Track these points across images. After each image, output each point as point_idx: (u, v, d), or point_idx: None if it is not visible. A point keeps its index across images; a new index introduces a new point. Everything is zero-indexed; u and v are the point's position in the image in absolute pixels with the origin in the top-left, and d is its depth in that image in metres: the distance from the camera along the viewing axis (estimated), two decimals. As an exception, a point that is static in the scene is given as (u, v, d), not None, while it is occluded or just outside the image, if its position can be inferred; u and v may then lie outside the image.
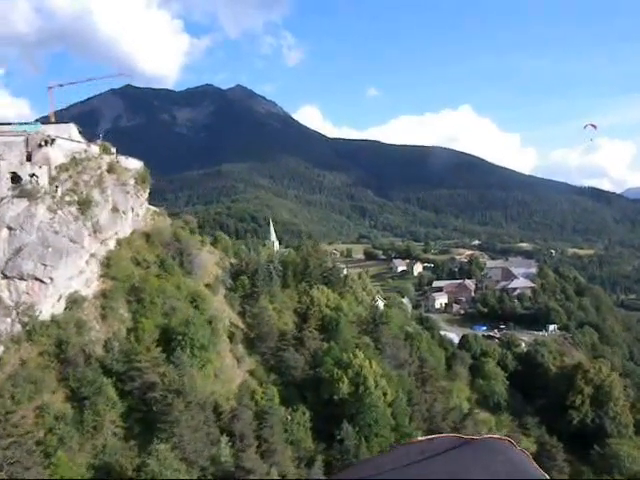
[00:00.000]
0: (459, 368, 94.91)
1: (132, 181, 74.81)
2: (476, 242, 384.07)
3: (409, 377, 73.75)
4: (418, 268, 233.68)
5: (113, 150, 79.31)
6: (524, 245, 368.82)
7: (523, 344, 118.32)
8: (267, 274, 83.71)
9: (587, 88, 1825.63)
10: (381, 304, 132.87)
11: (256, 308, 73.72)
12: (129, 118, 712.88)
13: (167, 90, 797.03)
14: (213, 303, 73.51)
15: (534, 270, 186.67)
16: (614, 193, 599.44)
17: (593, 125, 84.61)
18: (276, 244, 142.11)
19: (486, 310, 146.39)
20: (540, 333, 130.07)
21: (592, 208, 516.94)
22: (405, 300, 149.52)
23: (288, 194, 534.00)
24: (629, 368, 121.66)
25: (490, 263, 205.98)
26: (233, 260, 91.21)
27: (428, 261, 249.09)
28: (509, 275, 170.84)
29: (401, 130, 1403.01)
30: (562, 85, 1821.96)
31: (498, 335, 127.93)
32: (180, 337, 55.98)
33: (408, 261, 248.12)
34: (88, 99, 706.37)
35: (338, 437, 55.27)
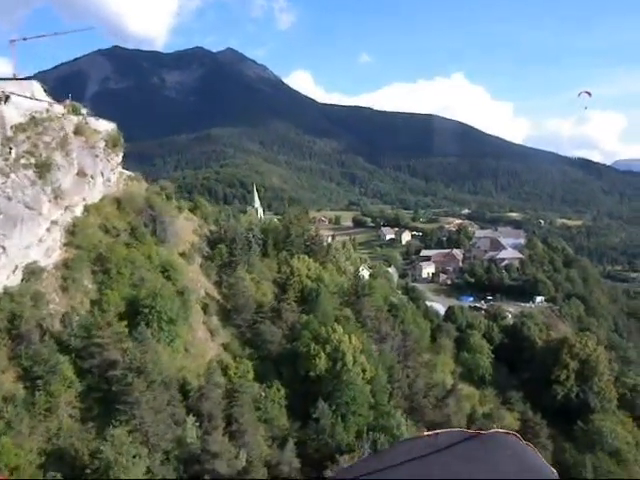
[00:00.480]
0: (444, 340, 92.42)
1: (102, 144, 70.35)
2: (466, 211, 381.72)
3: (391, 351, 70.96)
4: (406, 237, 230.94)
5: (83, 111, 74.85)
6: (513, 215, 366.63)
7: (510, 316, 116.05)
8: (246, 243, 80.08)
9: (581, 59, 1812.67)
10: (366, 274, 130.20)
11: (232, 278, 70.28)
12: (117, 80, 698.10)
13: (156, 52, 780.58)
14: (187, 273, 70.08)
15: (523, 241, 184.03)
16: (604, 165, 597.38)
17: (588, 92, 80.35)
18: (260, 211, 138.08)
19: (473, 281, 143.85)
20: (527, 305, 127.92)
21: (582, 179, 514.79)
22: (391, 269, 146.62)
23: (278, 160, 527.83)
24: (614, 341, 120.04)
25: (479, 233, 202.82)
26: (213, 227, 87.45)
27: (417, 230, 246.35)
28: (497, 245, 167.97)
29: (393, 97, 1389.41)
30: (556, 55, 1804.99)
31: (485, 306, 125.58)
32: (147, 310, 52.45)
33: (397, 229, 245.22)
34: (75, 59, 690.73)
35: (314, 416, 52.44)
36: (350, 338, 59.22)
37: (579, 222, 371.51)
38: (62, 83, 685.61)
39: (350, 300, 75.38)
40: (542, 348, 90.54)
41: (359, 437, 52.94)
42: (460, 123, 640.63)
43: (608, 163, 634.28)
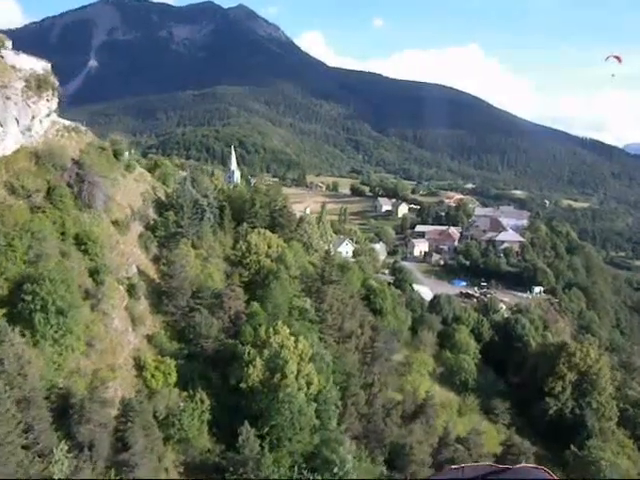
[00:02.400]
0: (425, 335, 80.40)
1: (20, 84, 57.10)
2: (470, 185, 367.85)
3: (355, 353, 58.90)
4: (403, 209, 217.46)
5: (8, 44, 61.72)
6: (518, 192, 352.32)
7: (503, 308, 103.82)
8: (198, 211, 67.51)
9: (601, 35, 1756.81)
10: (350, 250, 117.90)
11: (172, 254, 57.90)
12: (124, 31, 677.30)
13: (166, 5, 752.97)
14: (119, 246, 57.75)
15: (525, 222, 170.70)
16: (615, 147, 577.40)
17: (617, 57, 66.59)
18: (237, 174, 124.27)
19: (468, 263, 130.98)
20: (524, 295, 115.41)
21: (591, 161, 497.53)
22: (379, 246, 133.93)
23: (283, 122, 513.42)
24: (617, 343, 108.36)
25: (479, 211, 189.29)
26: (170, 191, 74.82)
27: (415, 202, 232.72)
28: (498, 226, 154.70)
29: (405, 65, 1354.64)
30: (574, 31, 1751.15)
31: (477, 294, 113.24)
32: (29, 297, 40.09)
33: (394, 201, 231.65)
34: (82, 7, 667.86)
35: (237, 444, 40.40)
36: (297, 341, 46.92)
37: (585, 204, 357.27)
38: (68, 31, 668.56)
39: (314, 287, 62.86)
40: (536, 352, 78.37)
41: (293, 468, 41.13)
42: (471, 96, 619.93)
43: (620, 146, 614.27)
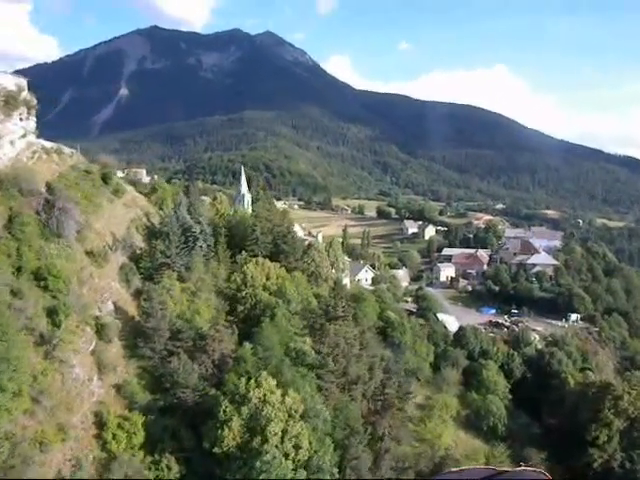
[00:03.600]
0: (449, 372, 71.39)
1: (-14, 100, 51.04)
2: (500, 206, 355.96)
3: (362, 400, 50.38)
4: (430, 231, 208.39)
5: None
6: (550, 212, 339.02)
7: (536, 339, 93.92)
8: (190, 239, 60.30)
9: (622, 53, 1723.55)
10: (369, 276, 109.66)
11: (152, 289, 50.53)
12: (154, 60, 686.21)
13: (194, 33, 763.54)
14: (93, 280, 50.61)
15: (558, 243, 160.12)
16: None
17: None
18: (247, 198, 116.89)
19: (498, 289, 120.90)
20: (560, 323, 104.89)
21: (625, 178, 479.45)
22: (402, 272, 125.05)
23: (310, 145, 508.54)
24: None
25: (509, 232, 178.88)
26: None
27: (443, 224, 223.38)
28: (529, 248, 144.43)
29: (431, 86, 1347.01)
30: (599, 50, 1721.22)
31: (508, 322, 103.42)
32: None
33: (420, 223, 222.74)
34: (113, 39, 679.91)
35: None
36: (284, 395, 38.73)
37: (620, 223, 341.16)
38: (101, 62, 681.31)
39: (317, 324, 54.63)
40: (576, 392, 68.51)
41: None
42: (499, 115, 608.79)
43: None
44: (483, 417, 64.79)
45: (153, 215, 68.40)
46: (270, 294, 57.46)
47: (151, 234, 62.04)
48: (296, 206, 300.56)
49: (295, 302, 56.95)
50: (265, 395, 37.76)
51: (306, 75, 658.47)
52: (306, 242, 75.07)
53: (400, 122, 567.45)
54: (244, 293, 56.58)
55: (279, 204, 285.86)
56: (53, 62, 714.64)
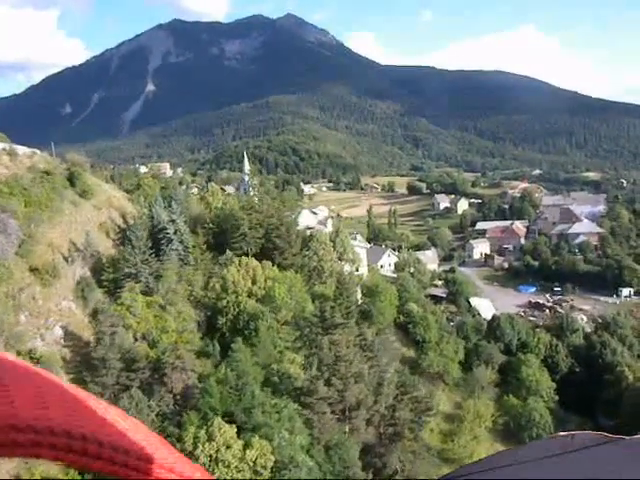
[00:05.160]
0: (482, 372, 60.53)
1: None
2: (537, 172, 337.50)
3: (367, 428, 40.26)
4: (463, 205, 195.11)
5: None
6: (591, 175, 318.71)
7: (584, 319, 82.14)
8: (163, 242, 50.91)
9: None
10: (393, 261, 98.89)
11: (104, 309, 41.32)
12: (178, 54, 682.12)
13: (216, 23, 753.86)
14: (36, 301, 41.69)
15: (602, 208, 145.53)
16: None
17: None
18: (253, 186, 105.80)
19: (537, 264, 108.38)
20: (610, 300, 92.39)
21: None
22: (431, 252, 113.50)
23: (338, 125, 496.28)
24: None
25: (547, 200, 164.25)
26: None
27: (476, 196, 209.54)
28: (570, 216, 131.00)
29: (457, 55, 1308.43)
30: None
31: (550, 302, 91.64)
32: None
33: (453, 197, 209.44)
34: (136, 36, 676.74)
35: None
36: (247, 447, 28.93)
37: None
38: (126, 60, 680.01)
39: (310, 334, 44.56)
40: (637, 388, 57.02)
41: None
42: (530, 78, 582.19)
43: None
44: (524, 427, 53.87)
45: (133, 216, 59.36)
46: (257, 300, 47.63)
47: (122, 239, 53.02)
48: (324, 188, 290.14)
49: (286, 309, 46.90)
50: (218, 451, 28.00)
51: (330, 55, 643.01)
52: (308, 232, 64.63)
53: (428, 94, 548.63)
54: (225, 302, 46.80)
55: (307, 187, 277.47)
56: (81, 65, 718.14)
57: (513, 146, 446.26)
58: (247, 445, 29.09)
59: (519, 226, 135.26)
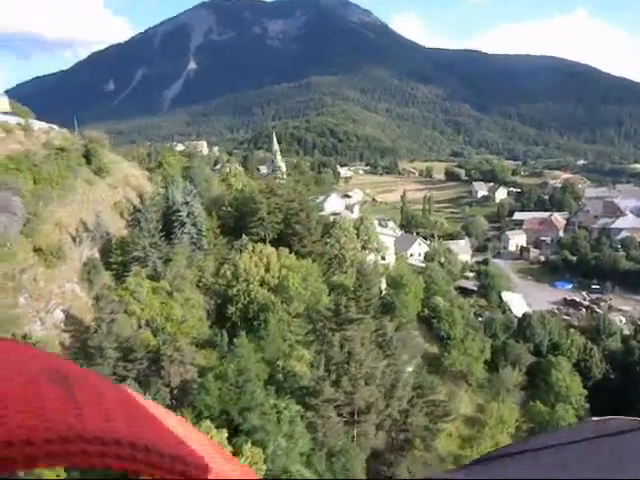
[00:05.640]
0: (508, 373, 57.03)
1: None
2: (581, 162, 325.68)
3: (377, 433, 37.50)
4: (501, 194, 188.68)
5: None
6: (639, 167, 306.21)
7: (622, 321, 77.54)
8: (174, 226, 48.79)
9: None
10: (423, 250, 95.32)
11: (104, 294, 39.40)
12: (220, 32, 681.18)
13: (259, 1, 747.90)
14: (37, 283, 40.05)
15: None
16: None
17: None
18: (281, 166, 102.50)
19: (575, 260, 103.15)
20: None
21: None
22: (464, 242, 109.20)
23: (378, 107, 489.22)
24: None
25: (590, 191, 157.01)
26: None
27: (515, 185, 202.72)
28: (614, 209, 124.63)
29: (505, 39, 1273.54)
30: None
31: (587, 301, 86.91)
32: None
33: (491, 185, 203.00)
34: (179, 14, 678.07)
35: None
36: (237, 450, 26.58)
37: None
38: (169, 38, 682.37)
39: (324, 329, 41.88)
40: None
41: None
42: (580, 64, 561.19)
43: None
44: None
45: (149, 196, 57.33)
46: (269, 290, 45.14)
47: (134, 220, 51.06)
48: (361, 171, 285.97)
49: (298, 300, 44.27)
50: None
51: (373, 36, 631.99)
52: (331, 219, 61.67)
53: (472, 79, 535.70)
54: (235, 290, 44.45)
55: (343, 170, 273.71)
56: (126, 42, 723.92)
57: (558, 134, 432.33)
58: (237, 452, 26.68)
59: (558, 218, 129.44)
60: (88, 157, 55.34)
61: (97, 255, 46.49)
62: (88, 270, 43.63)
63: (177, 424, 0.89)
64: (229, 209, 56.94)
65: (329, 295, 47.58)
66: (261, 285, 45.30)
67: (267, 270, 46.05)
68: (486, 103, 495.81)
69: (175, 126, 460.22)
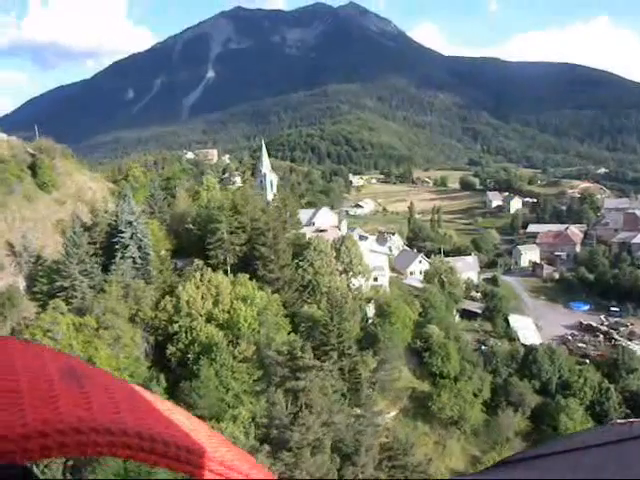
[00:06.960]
0: (508, 418, 48.78)
1: None
2: (602, 170, 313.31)
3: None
4: (516, 204, 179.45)
5: None
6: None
7: (644, 352, 68.50)
8: (116, 249, 41.61)
9: None
10: (424, 268, 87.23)
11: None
12: (239, 41, 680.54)
13: (278, 11, 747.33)
14: None
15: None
16: None
17: None
18: (272, 179, 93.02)
19: (592, 277, 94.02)
20: (677, 327, 77.95)
21: None
22: (471, 259, 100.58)
23: (395, 116, 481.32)
24: None
25: (610, 202, 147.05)
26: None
27: (531, 195, 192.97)
28: (635, 222, 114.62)
29: (524, 47, 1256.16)
30: None
31: (605, 325, 77.88)
32: None
33: (506, 194, 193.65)
34: (199, 23, 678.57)
35: None
36: None
37: None
38: (189, 46, 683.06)
39: (274, 377, 34.20)
40: None
41: None
42: (601, 71, 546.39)
43: None
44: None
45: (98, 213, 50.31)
46: (217, 326, 37.70)
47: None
48: (374, 180, 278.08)
49: (249, 340, 36.71)
50: None
51: (392, 45, 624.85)
52: (307, 238, 53.92)
53: (491, 87, 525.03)
54: (177, 326, 37.08)
55: (356, 179, 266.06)
56: (146, 51, 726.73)
57: (578, 142, 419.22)
58: None
59: (575, 231, 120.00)
60: (34, 169, 48.65)
61: (22, 283, 39.57)
62: (2, 302, 36.64)
63: (183, 417, 0.92)
64: (191, 227, 49.69)
65: (292, 332, 39.90)
66: (208, 320, 37.81)
67: (215, 303, 38.58)
68: (505, 111, 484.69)
69: (193, 134, 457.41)
